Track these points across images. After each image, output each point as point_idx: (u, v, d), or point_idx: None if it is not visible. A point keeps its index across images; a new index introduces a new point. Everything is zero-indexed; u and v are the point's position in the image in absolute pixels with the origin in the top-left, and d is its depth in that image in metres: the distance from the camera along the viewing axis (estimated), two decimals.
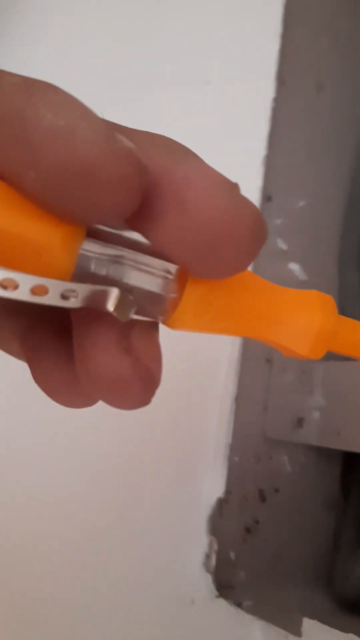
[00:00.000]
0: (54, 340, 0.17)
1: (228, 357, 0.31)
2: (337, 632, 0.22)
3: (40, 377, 0.17)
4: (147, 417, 0.29)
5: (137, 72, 0.41)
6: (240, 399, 0.31)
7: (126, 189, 0.12)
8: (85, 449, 0.30)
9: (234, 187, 0.14)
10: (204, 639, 0.26)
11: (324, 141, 0.36)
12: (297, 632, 0.23)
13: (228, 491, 0.30)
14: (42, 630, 0.30)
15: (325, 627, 0.22)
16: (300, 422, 0.33)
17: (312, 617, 0.29)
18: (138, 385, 0.15)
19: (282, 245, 0.34)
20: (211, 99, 0.37)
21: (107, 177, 0.12)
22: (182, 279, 0.15)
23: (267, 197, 0.34)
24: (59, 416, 0.30)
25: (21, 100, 0.12)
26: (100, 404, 0.17)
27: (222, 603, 0.27)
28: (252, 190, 0.33)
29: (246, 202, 0.14)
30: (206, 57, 0.39)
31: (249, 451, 0.31)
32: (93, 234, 0.15)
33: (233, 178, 0.14)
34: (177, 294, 0.15)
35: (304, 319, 0.16)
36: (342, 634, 0.22)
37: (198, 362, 0.30)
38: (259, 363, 0.32)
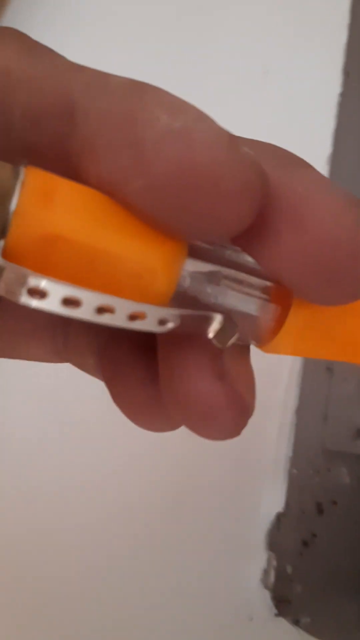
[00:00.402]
0: (135, 357, 0.16)
1: (289, 367, 0.30)
2: None
3: (120, 398, 0.16)
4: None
5: (191, 58, 0.40)
6: (301, 411, 0.30)
7: (248, 200, 0.11)
8: (143, 460, 0.30)
9: (359, 205, 0.12)
10: None
11: None
12: None
13: (287, 505, 0.29)
14: None
15: None
16: (359, 433, 0.32)
17: None
18: (231, 415, 0.14)
19: None
20: (271, 90, 0.36)
21: (228, 186, 0.11)
22: (281, 299, 0.14)
23: None
24: (118, 424, 0.30)
25: (132, 100, 0.11)
26: None
27: (281, 621, 0.27)
28: None
29: None
30: (267, 44, 0.37)
31: (308, 463, 0.30)
32: (190, 251, 0.13)
33: None
34: (274, 316, 0.14)
35: None
36: None
37: (259, 373, 0.29)
38: (319, 372, 0.31)
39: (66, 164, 0.12)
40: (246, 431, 0.28)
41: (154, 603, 0.29)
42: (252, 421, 0.29)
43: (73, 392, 0.30)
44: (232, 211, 0.11)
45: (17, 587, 0.30)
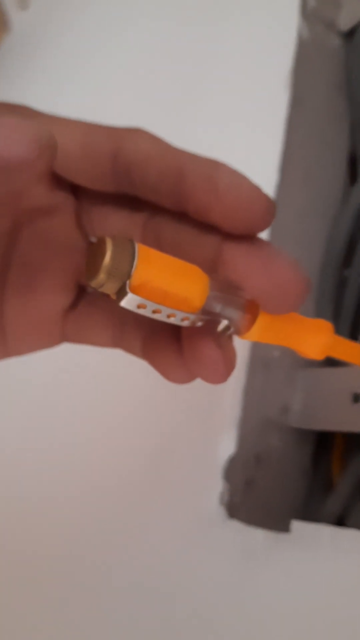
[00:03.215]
0: (167, 340, 0.24)
1: (239, 359, 0.44)
2: (314, 524, 0.35)
3: (160, 365, 0.24)
4: (186, 400, 0.43)
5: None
6: (247, 390, 0.44)
7: (269, 215, 0.22)
8: (137, 419, 0.43)
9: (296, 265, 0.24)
10: (221, 544, 0.39)
11: (310, 211, 0.51)
12: (287, 529, 0.36)
13: (236, 452, 0.43)
14: (87, 554, 0.42)
15: (307, 523, 0.35)
16: (285, 409, 0.47)
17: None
18: (225, 368, 0.23)
19: None
20: None
21: (261, 208, 0.22)
22: (252, 310, 0.24)
23: None
24: (104, 391, 0.44)
25: (214, 169, 0.22)
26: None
27: (233, 522, 0.40)
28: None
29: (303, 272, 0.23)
30: (221, 143, 0.53)
31: (251, 426, 0.44)
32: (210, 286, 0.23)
33: None
34: (248, 320, 0.24)
35: (316, 337, 0.26)
36: (318, 525, 0.35)
37: None
38: (259, 366, 0.46)
39: (177, 200, 0.23)
40: (209, 402, 0.44)
41: (140, 516, 0.42)
42: (213, 395, 0.44)
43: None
44: (261, 219, 0.22)
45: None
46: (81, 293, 0.27)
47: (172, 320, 0.22)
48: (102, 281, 0.21)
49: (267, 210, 0.22)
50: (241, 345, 0.45)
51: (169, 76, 0.57)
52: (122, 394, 0.45)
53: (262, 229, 0.23)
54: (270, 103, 0.48)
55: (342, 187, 0.53)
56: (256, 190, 0.22)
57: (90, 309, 0.27)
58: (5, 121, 0.19)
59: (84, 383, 0.47)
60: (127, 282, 0.21)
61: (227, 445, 0.43)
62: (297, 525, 0.36)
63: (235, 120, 0.51)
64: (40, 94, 0.62)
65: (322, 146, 0.52)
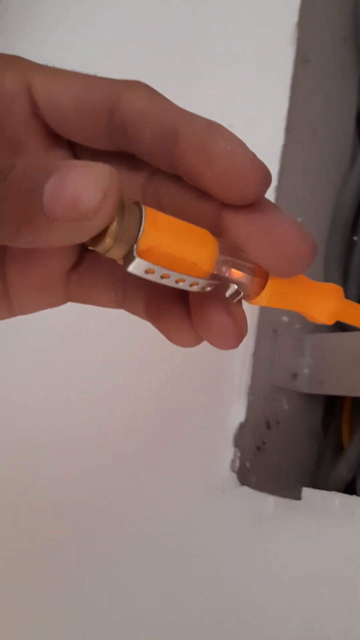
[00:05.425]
0: (172, 302, 0.24)
1: (248, 326, 0.44)
2: (325, 491, 0.35)
3: (165, 328, 0.24)
4: (195, 368, 0.43)
5: None
6: (256, 356, 0.44)
7: (263, 186, 0.21)
8: (145, 387, 0.43)
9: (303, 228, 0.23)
10: (232, 511, 0.39)
11: (317, 174, 0.50)
12: (298, 497, 0.37)
13: (246, 419, 0.43)
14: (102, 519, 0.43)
15: (318, 491, 0.36)
16: (295, 375, 0.47)
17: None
18: (235, 334, 0.23)
19: None
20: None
21: (254, 175, 0.21)
22: (261, 274, 0.23)
23: None
24: (121, 361, 0.43)
25: (207, 132, 0.20)
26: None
27: (245, 489, 0.40)
28: None
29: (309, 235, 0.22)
30: (226, 103, 0.51)
31: (260, 393, 0.44)
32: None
33: None
34: (257, 285, 0.23)
35: (326, 301, 0.25)
36: (329, 492, 0.35)
37: None
38: (267, 332, 0.46)
39: (171, 163, 0.22)
40: (219, 368, 0.44)
41: (151, 486, 0.42)
42: (222, 361, 0.44)
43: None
44: (255, 188, 0.21)
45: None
46: (84, 253, 0.27)
47: (180, 285, 0.21)
48: (109, 246, 0.20)
49: (261, 180, 0.21)
50: (249, 311, 0.45)
51: (171, 29, 0.55)
52: (130, 362, 0.45)
53: (255, 199, 0.22)
54: (275, 59, 0.47)
55: (350, 146, 0.52)
56: (250, 158, 0.21)
57: (93, 269, 0.26)
58: (69, 169, 0.19)
59: (89, 348, 0.47)
60: (134, 246, 0.20)
61: (237, 412, 0.43)
62: (307, 492, 0.36)
63: (240, 78, 0.49)
64: (41, 48, 0.61)
65: (329, 104, 0.51)
